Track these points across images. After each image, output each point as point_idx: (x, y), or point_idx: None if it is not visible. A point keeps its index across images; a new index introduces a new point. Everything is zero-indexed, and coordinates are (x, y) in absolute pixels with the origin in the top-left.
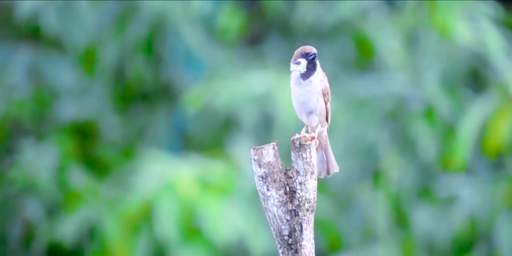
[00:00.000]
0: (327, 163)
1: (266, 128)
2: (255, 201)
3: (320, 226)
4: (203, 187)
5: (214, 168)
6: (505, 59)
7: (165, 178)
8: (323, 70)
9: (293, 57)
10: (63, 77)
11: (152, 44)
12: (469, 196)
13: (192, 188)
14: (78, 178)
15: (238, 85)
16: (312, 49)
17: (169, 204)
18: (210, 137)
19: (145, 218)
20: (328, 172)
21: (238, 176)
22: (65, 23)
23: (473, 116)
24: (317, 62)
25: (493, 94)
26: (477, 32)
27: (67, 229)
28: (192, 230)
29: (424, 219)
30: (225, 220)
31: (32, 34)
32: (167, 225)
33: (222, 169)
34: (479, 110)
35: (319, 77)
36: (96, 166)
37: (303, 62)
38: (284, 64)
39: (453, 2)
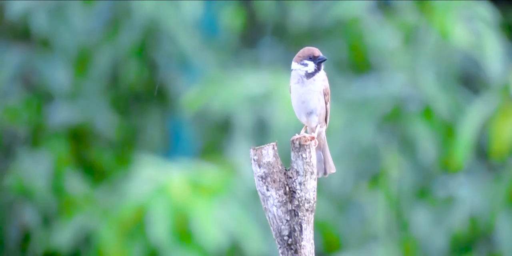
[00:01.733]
0: (325, 163)
1: (262, 130)
2: (252, 202)
3: (319, 227)
4: (195, 191)
5: (206, 172)
6: (502, 60)
7: (157, 183)
8: (324, 70)
9: (298, 57)
10: (56, 79)
11: (146, 48)
12: (469, 196)
13: (184, 192)
14: (74, 184)
15: (233, 87)
16: (320, 53)
17: (161, 209)
18: (206, 140)
19: (138, 224)
20: (325, 172)
21: (234, 178)
22: (55, 26)
23: (473, 117)
24: (323, 65)
25: (493, 95)
26: (474, 33)
27: (63, 236)
28: (184, 234)
29: (423, 219)
30: (217, 224)
31: (25, 35)
32: (159, 230)
33: (214, 172)
34: (479, 111)
35: (322, 77)
36: (91, 171)
37: (311, 64)
38: (279, 65)
39: (450, 3)
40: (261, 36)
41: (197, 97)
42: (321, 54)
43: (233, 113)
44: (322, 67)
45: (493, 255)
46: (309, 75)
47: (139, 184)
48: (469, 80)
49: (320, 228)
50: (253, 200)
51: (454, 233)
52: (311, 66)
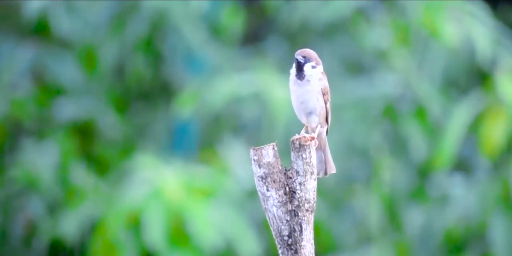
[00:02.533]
0: (325, 164)
1: (260, 128)
2: (246, 202)
3: (314, 227)
4: (190, 193)
5: (201, 173)
6: (494, 59)
7: (152, 186)
8: (324, 69)
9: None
10: (66, 75)
11: (152, 43)
12: (462, 196)
13: (179, 194)
14: (79, 176)
15: (232, 85)
16: (299, 53)
17: (156, 213)
18: (206, 138)
19: (134, 225)
20: (325, 173)
21: (230, 177)
22: (73, 22)
23: (459, 116)
24: (305, 65)
25: (482, 94)
26: (467, 32)
27: (68, 226)
28: (180, 236)
29: (417, 219)
30: (212, 225)
31: (36, 31)
32: (155, 233)
33: (209, 174)
34: (467, 109)
35: (317, 76)
36: (96, 165)
37: (293, 66)
38: (284, 63)
39: (441, 2)
40: (267, 34)
41: (194, 94)
42: (297, 55)
43: (230, 110)
44: (306, 67)
45: (487, 255)
46: (300, 77)
47: (134, 187)
48: (467, 78)
49: (315, 229)
50: (248, 200)
51: (448, 233)
52: (293, 67)
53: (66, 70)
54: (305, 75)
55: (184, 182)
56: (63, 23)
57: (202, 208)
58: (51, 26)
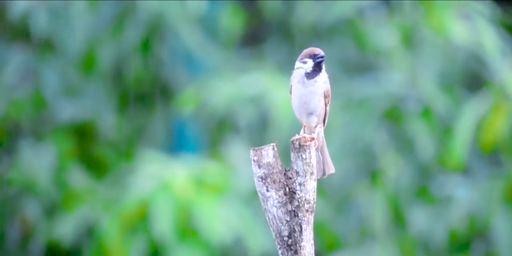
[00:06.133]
0: (323, 164)
1: (261, 129)
2: (250, 201)
3: (317, 226)
4: (199, 188)
5: (209, 168)
6: (501, 58)
7: (161, 178)
8: (326, 71)
9: (300, 56)
10: (56, 78)
11: (150, 45)
12: (466, 194)
13: (188, 188)
14: (77, 178)
15: (233, 86)
16: (320, 52)
17: (164, 205)
18: (205, 137)
19: (141, 219)
20: (324, 173)
21: (233, 177)
22: (57, 25)
23: (469, 115)
24: (323, 65)
25: (488, 93)
26: (473, 31)
27: (65, 229)
28: (188, 231)
29: (421, 218)
30: (221, 220)
31: (27, 34)
32: (163, 226)
33: (217, 169)
34: (475, 109)
35: (323, 79)
36: (94, 166)
37: (310, 62)
38: (283, 64)
39: (449, 2)
40: (266, 35)
41: (194, 94)
42: (321, 53)
43: (231, 112)
44: (323, 67)
45: (491, 253)
46: (310, 76)
47: (142, 180)
48: (471, 78)
49: (318, 227)
50: (254, 198)
51: (452, 231)
52: (310, 63)
53: (60, 73)
54: (318, 75)
55: (192, 176)
56: (51, 27)
57: (211, 203)
58: (39, 30)
